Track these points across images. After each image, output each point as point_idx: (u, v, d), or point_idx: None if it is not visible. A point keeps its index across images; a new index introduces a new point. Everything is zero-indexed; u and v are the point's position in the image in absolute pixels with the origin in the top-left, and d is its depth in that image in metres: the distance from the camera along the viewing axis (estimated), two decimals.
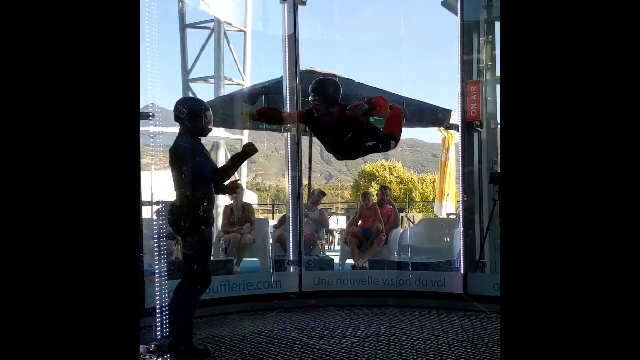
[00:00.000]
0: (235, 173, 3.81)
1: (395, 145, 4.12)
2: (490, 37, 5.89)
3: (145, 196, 3.76)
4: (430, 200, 28.79)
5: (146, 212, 4.35)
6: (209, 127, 3.74)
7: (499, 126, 5.88)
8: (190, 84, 10.98)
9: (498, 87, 5.90)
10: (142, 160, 2.42)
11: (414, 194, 37.42)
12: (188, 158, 3.59)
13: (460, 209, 5.56)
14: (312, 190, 8.20)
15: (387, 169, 43.51)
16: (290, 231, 5.52)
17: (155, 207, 4.27)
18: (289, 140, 5.46)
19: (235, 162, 3.81)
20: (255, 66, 11.43)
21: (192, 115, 3.64)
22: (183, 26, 10.85)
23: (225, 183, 3.88)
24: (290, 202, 5.52)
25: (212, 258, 6.87)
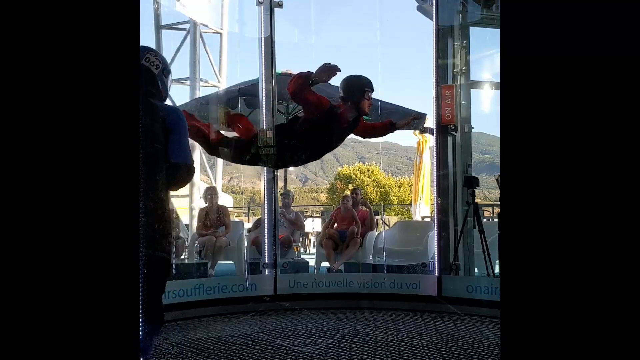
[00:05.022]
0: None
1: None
2: (464, 42, 5.96)
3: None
4: (407, 203, 29.04)
5: None
6: None
7: (472, 130, 5.97)
8: None
9: (472, 91, 5.99)
10: None
11: (390, 197, 37.67)
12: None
13: (435, 212, 5.61)
14: (285, 191, 8.17)
15: (365, 172, 43.72)
16: (266, 234, 5.50)
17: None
18: None
19: None
20: (231, 68, 11.40)
21: (165, 73, 2.73)
22: (158, 27, 10.74)
23: None
24: (265, 204, 5.50)
25: (186, 261, 6.86)
